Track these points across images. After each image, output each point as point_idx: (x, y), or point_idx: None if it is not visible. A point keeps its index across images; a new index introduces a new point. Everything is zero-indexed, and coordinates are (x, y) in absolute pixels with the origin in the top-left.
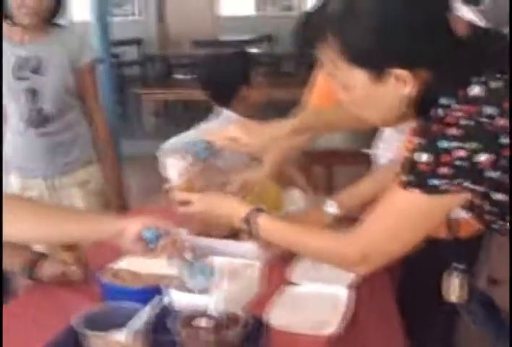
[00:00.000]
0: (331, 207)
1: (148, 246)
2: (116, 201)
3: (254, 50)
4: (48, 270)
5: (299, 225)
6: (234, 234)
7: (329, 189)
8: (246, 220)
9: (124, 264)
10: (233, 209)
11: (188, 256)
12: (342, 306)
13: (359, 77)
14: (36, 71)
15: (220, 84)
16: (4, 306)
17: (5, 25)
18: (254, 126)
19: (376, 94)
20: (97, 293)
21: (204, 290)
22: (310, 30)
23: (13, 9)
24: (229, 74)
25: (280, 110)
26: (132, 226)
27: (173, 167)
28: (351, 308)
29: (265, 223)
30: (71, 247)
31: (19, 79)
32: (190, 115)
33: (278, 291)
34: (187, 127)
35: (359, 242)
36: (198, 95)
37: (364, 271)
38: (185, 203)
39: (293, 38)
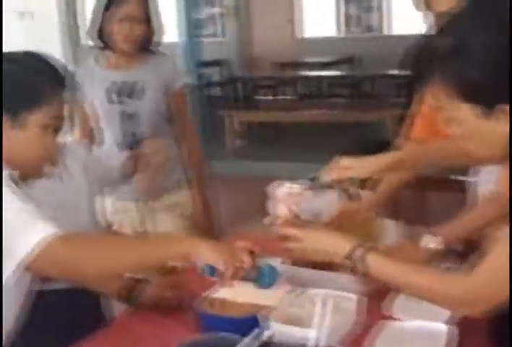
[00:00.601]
0: (432, 242)
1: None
2: (204, 223)
3: (335, 72)
4: (145, 295)
5: (407, 263)
6: (328, 264)
7: (420, 216)
8: (351, 258)
9: (221, 292)
10: (338, 245)
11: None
12: (442, 344)
13: (466, 112)
14: (131, 95)
15: None
16: (100, 331)
17: (100, 51)
18: (363, 158)
19: (483, 129)
20: (194, 320)
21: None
22: (417, 65)
23: (111, 35)
24: None
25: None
26: (196, 253)
27: (283, 200)
28: (451, 346)
29: (373, 261)
30: (168, 272)
31: (114, 103)
32: (272, 136)
33: (377, 326)
34: (269, 148)
35: (472, 284)
36: (280, 116)
37: (475, 314)
38: (289, 238)
39: (403, 69)
